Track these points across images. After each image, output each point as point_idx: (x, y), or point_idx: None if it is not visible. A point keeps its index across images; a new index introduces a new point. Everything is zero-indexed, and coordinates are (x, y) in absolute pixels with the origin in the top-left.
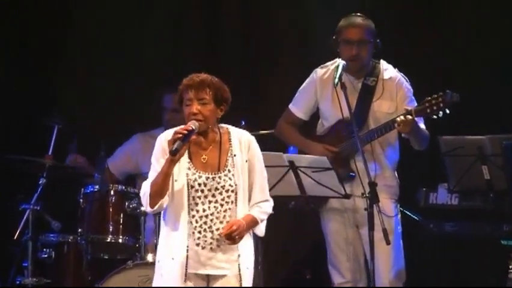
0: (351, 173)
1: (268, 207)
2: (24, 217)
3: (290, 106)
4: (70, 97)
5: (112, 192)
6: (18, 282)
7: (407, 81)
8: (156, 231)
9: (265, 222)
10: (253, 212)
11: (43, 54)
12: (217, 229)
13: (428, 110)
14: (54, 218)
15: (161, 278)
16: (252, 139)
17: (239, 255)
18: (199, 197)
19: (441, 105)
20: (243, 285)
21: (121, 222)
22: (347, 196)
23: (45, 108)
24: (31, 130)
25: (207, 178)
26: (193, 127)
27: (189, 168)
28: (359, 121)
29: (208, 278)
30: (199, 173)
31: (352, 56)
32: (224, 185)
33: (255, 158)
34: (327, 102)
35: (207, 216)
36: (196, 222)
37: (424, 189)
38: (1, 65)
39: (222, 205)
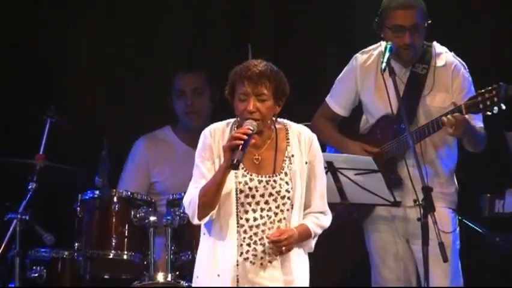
0: (399, 179)
1: (325, 220)
2: (11, 229)
3: (327, 98)
4: (69, 89)
5: (115, 199)
6: None
7: (465, 68)
8: (167, 246)
9: (316, 238)
10: (308, 223)
11: (40, 44)
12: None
13: (481, 106)
14: (46, 229)
15: None
16: (314, 137)
17: (292, 274)
18: (250, 204)
19: (495, 99)
20: None
21: (126, 234)
22: (396, 203)
23: (40, 102)
24: (20, 126)
25: (260, 181)
26: (252, 128)
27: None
28: (407, 117)
29: None
30: (251, 175)
31: (405, 44)
32: (280, 190)
33: (316, 160)
34: (370, 94)
35: (258, 226)
36: (245, 232)
37: (488, 195)
38: None
39: (276, 214)
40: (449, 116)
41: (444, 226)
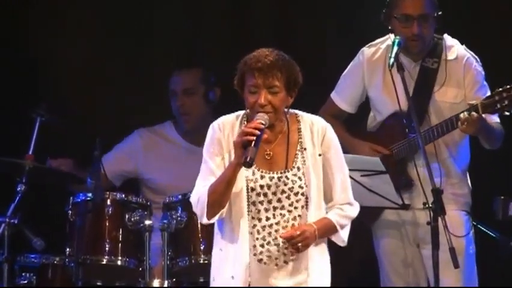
0: (410, 181)
1: (352, 211)
2: None
3: (332, 94)
4: (60, 88)
5: (108, 202)
6: None
7: (477, 61)
8: (164, 251)
9: (347, 228)
10: (331, 215)
11: (32, 42)
12: (285, 241)
13: (498, 106)
14: (36, 234)
15: None
16: (328, 127)
17: (308, 275)
18: (262, 202)
19: None
20: None
21: (120, 239)
22: (405, 206)
23: (30, 99)
24: (8, 124)
25: (271, 178)
26: (264, 123)
27: None
28: (417, 114)
29: None
30: (262, 172)
31: (413, 35)
32: (292, 187)
33: (331, 151)
34: (378, 90)
35: (271, 225)
36: (258, 233)
37: (502, 197)
38: None
39: (289, 211)
40: (465, 113)
41: (457, 230)
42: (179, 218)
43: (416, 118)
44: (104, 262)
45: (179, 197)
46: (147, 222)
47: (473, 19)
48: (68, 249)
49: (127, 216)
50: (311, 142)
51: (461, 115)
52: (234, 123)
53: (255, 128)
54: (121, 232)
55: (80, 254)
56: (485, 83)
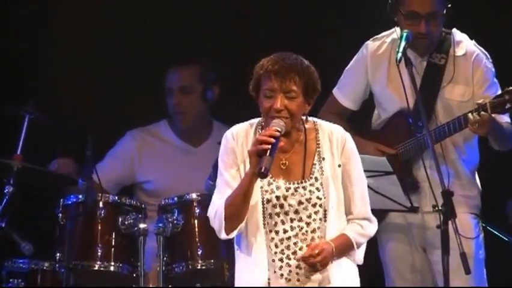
0: (416, 183)
1: (371, 229)
2: None
3: (334, 91)
4: (50, 84)
5: (101, 204)
6: None
7: (487, 58)
8: (160, 256)
9: (364, 247)
10: (349, 232)
11: (20, 38)
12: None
13: (508, 105)
14: (24, 238)
15: None
16: (347, 137)
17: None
18: (278, 214)
19: None
20: None
21: (113, 244)
22: (413, 209)
23: (18, 96)
24: None
25: (287, 189)
26: (279, 130)
27: None
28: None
29: None
30: (277, 182)
31: (420, 33)
32: (310, 198)
33: (351, 162)
34: (382, 85)
35: (289, 238)
36: (276, 246)
37: None
38: None
39: (308, 224)
40: (474, 114)
41: (466, 233)
42: (175, 222)
43: (425, 115)
44: (96, 268)
45: (176, 199)
46: (141, 225)
47: (472, 20)
48: (58, 254)
49: (120, 220)
50: (330, 152)
51: (470, 115)
52: (248, 131)
53: (270, 136)
54: (114, 236)
55: (71, 259)
56: (495, 80)
